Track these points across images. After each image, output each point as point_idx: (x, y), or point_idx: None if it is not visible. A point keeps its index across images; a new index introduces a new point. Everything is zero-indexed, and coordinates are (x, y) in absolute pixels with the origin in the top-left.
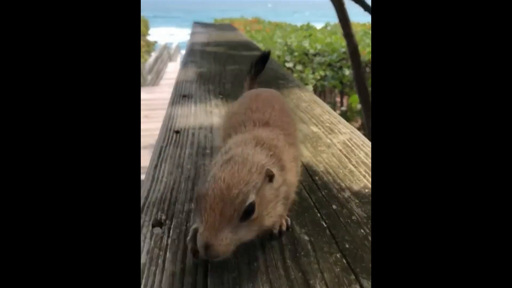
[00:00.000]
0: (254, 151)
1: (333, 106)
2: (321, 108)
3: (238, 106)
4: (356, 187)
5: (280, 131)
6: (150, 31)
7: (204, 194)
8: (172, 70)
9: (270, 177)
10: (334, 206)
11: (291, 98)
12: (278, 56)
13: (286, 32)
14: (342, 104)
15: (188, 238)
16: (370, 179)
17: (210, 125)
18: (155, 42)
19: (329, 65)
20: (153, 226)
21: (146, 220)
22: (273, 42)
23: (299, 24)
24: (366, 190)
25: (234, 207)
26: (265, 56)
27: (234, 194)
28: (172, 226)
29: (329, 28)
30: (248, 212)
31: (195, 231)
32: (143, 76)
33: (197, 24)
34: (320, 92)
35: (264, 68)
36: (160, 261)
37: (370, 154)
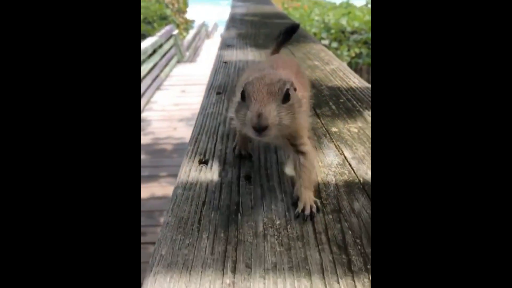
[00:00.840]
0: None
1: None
2: (325, 53)
3: (251, 70)
4: (329, 84)
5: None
6: (188, 9)
7: (252, 86)
8: (209, 47)
9: (294, 89)
10: (314, 90)
11: (306, 48)
12: (315, 33)
13: (324, 10)
14: None
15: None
16: (340, 82)
17: (246, 60)
18: (193, 20)
19: (365, 43)
20: (217, 94)
21: (211, 92)
22: (310, 19)
23: (338, 2)
24: (334, 86)
25: (277, 88)
26: (293, 28)
27: (276, 83)
28: (226, 94)
29: (369, 5)
30: (286, 96)
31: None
32: (182, 53)
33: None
34: (355, 69)
35: (290, 38)
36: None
37: (346, 74)
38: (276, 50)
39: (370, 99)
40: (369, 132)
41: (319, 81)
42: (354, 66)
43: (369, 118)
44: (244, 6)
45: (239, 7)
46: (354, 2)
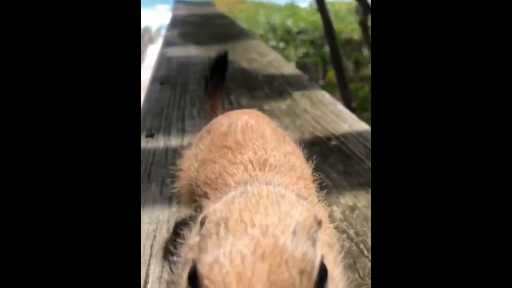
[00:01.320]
0: (287, 192)
1: (317, 82)
2: (263, 48)
3: (208, 148)
4: (265, 73)
5: (293, 175)
6: None
7: (231, 271)
8: (153, 53)
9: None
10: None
11: (247, 44)
12: (261, 35)
13: (269, 11)
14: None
15: None
16: (275, 71)
17: (187, 55)
18: None
19: (312, 42)
20: (160, 84)
21: (155, 83)
22: (256, 21)
23: (282, 3)
24: (269, 74)
25: (296, 271)
26: (222, 59)
27: (288, 247)
28: (173, 83)
29: (313, 6)
30: (321, 279)
31: None
32: None
33: (178, 2)
34: (304, 69)
35: (224, 77)
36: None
37: (281, 64)
38: (214, 104)
39: (299, 82)
40: (295, 108)
41: (256, 70)
42: (302, 65)
43: (296, 98)
44: (186, 8)
45: (181, 9)
46: (299, 4)
